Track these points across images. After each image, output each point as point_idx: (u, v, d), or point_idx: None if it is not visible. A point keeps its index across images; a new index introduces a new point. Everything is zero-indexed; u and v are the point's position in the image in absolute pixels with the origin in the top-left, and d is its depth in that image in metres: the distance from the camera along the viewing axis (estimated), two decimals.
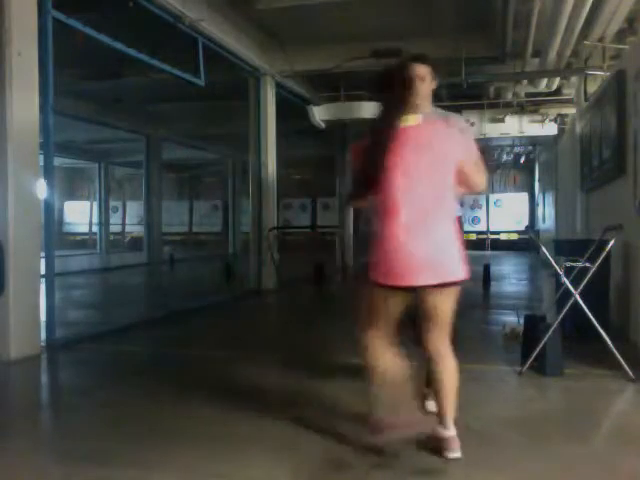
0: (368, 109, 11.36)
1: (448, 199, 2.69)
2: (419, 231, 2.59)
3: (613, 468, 2.64)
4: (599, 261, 4.18)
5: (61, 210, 24.66)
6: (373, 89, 2.94)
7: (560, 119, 11.66)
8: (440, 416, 2.69)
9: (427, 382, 3.01)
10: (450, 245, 2.65)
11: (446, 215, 2.66)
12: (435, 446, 2.69)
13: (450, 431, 2.66)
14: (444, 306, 2.67)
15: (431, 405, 3.06)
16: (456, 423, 2.72)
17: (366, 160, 2.69)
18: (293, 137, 13.64)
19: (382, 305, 2.74)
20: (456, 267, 2.64)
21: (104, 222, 21.18)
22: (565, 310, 4.11)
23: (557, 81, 10.01)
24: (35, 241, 4.90)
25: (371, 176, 2.66)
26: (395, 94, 2.76)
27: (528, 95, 11.45)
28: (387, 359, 2.78)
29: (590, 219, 7.79)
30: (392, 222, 2.62)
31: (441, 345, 2.73)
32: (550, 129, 12.14)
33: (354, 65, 8.87)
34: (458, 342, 2.92)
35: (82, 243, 23.62)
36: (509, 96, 11.51)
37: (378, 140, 2.68)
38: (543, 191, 17.87)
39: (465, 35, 8.60)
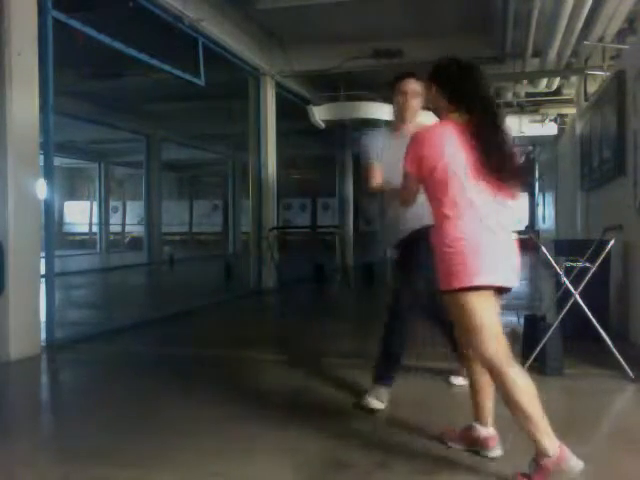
0: (368, 109, 11.38)
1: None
2: None
3: (613, 468, 2.64)
4: (599, 261, 4.18)
5: (61, 210, 24.66)
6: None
7: (560, 119, 11.67)
8: (481, 413, 2.72)
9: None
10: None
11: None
12: (471, 443, 2.73)
13: (490, 428, 2.71)
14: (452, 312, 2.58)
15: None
16: (456, 422, 2.72)
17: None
18: (293, 137, 13.66)
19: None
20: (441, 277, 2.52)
21: (104, 222, 21.20)
22: (565, 310, 4.11)
23: (557, 81, 10.02)
24: (35, 241, 4.90)
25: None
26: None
27: (528, 95, 11.45)
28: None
29: (590, 219, 7.79)
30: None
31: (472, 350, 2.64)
32: (550, 129, 12.15)
33: (354, 65, 8.87)
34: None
35: (82, 243, 23.63)
36: (509, 96, 11.50)
37: None
38: (543, 191, 17.87)
39: (465, 35, 8.60)
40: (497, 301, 2.66)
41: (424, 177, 2.56)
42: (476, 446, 2.73)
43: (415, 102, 3.48)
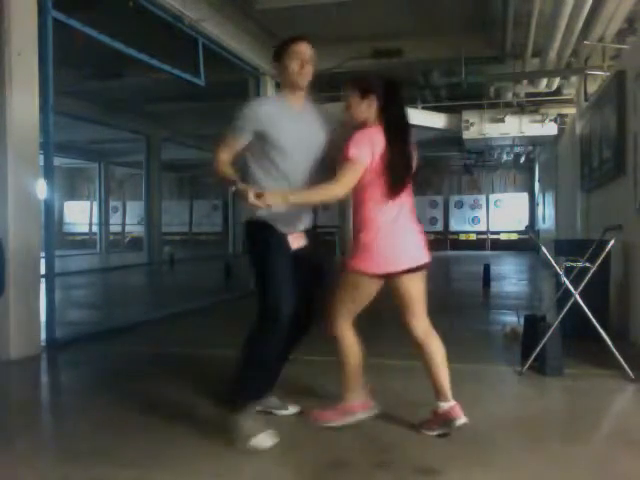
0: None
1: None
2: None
3: (612, 468, 2.64)
4: (599, 261, 4.18)
5: (61, 210, 24.66)
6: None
7: (560, 119, 11.66)
8: (439, 391, 2.91)
9: None
10: None
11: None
12: (442, 422, 2.87)
13: (451, 401, 2.88)
14: None
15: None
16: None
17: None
18: None
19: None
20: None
21: (104, 222, 21.20)
22: (565, 310, 4.11)
23: (557, 81, 10.02)
24: (35, 241, 4.90)
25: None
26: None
27: (528, 95, 11.45)
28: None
29: (590, 219, 7.80)
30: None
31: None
32: (550, 129, 12.15)
33: (354, 65, 8.88)
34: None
35: (82, 243, 23.63)
36: (509, 96, 11.51)
37: None
38: (543, 191, 17.88)
39: (465, 35, 8.61)
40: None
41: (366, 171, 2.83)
42: (446, 422, 2.86)
43: (310, 69, 3.06)
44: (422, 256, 2.94)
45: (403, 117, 3.00)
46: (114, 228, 23.22)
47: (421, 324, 3.06)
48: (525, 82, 10.29)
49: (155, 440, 2.95)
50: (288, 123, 2.98)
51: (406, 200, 2.93)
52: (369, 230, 2.86)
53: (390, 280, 2.90)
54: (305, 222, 3.10)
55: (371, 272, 2.85)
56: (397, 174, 2.84)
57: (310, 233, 3.16)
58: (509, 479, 2.56)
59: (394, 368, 4.33)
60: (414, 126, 3.06)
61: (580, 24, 6.69)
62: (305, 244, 3.09)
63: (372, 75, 3.08)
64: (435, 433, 2.91)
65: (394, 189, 2.84)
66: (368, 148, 2.81)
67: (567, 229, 10.34)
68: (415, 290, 2.96)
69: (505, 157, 18.94)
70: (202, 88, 7.62)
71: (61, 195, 23.88)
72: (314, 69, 3.09)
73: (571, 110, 11.07)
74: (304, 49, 3.06)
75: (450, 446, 2.82)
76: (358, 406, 3.08)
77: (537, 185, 20.02)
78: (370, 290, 2.94)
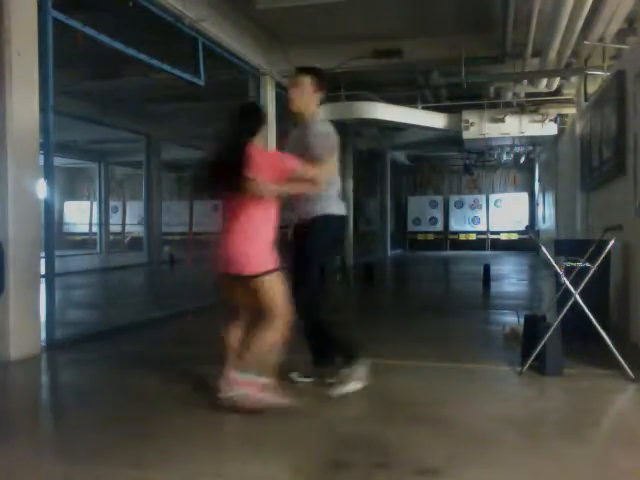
0: (368, 109, 11.39)
1: None
2: None
3: (612, 468, 2.64)
4: (599, 261, 4.18)
5: (61, 210, 24.66)
6: None
7: (560, 119, 11.66)
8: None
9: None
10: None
11: None
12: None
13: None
14: None
15: (294, 376, 3.84)
16: (456, 422, 2.73)
17: None
18: None
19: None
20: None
21: (104, 222, 21.19)
22: (565, 310, 4.11)
23: (557, 81, 10.02)
24: (35, 241, 4.90)
25: None
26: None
27: (528, 95, 11.45)
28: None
29: (590, 219, 7.80)
30: None
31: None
32: (550, 129, 12.15)
33: (354, 65, 8.87)
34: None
35: (82, 243, 23.61)
36: (509, 96, 11.51)
37: None
38: (543, 191, 17.88)
39: (465, 35, 8.60)
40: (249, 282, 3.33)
41: None
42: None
43: (293, 93, 3.75)
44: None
45: None
46: (114, 228, 23.20)
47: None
48: (525, 82, 10.29)
49: (155, 440, 2.95)
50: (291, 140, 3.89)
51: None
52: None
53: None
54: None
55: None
56: None
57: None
58: (509, 479, 2.56)
59: (394, 368, 4.33)
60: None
61: (580, 24, 6.68)
62: None
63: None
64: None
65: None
66: None
67: (567, 229, 10.34)
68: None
69: (505, 157, 18.93)
70: (202, 88, 7.62)
71: (61, 195, 23.87)
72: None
73: (571, 110, 11.07)
74: (289, 80, 3.87)
75: (450, 446, 2.82)
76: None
77: (537, 185, 20.02)
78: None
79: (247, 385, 3.25)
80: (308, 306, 3.60)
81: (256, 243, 3.32)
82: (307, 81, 3.69)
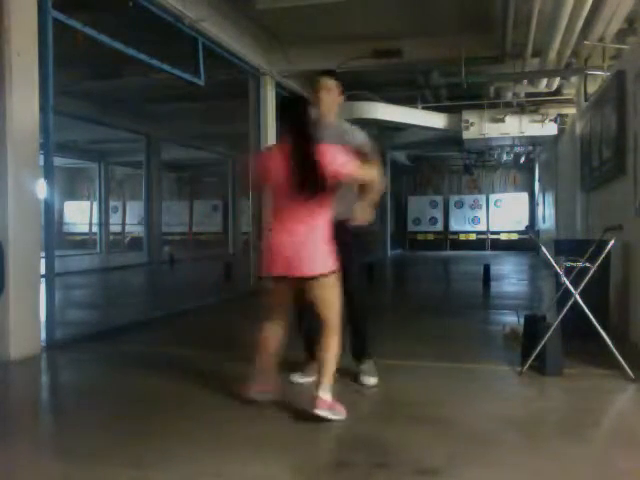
0: (368, 109, 11.39)
1: None
2: None
3: (612, 468, 2.64)
4: (599, 261, 4.18)
5: (61, 210, 24.65)
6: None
7: (560, 119, 11.66)
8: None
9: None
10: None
11: None
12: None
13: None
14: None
15: (296, 377, 3.90)
16: (456, 422, 2.73)
17: None
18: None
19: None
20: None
21: (104, 222, 21.19)
22: (565, 310, 4.11)
23: (557, 81, 10.01)
24: (35, 241, 4.90)
25: None
26: None
27: (528, 95, 11.45)
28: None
29: (590, 219, 7.80)
30: None
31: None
32: (550, 129, 12.15)
33: (354, 65, 8.87)
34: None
35: (82, 243, 23.61)
36: (509, 96, 11.51)
37: None
38: (543, 191, 17.88)
39: (465, 35, 8.60)
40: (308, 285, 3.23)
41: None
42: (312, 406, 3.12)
43: (322, 97, 3.82)
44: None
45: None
46: (114, 228, 23.20)
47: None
48: (525, 82, 10.28)
49: (156, 440, 2.95)
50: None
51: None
52: None
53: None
54: None
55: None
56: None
57: None
58: (509, 479, 2.56)
59: (394, 368, 4.33)
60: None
61: (580, 24, 6.68)
62: None
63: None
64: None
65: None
66: None
67: (567, 229, 10.34)
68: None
69: (505, 157, 18.93)
70: (202, 88, 7.62)
71: (61, 195, 23.87)
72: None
73: (571, 110, 11.07)
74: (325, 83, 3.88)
75: (450, 446, 2.82)
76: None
77: (537, 185, 20.01)
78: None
79: (334, 405, 3.16)
80: (355, 303, 3.76)
81: (321, 244, 3.23)
82: (334, 85, 3.84)
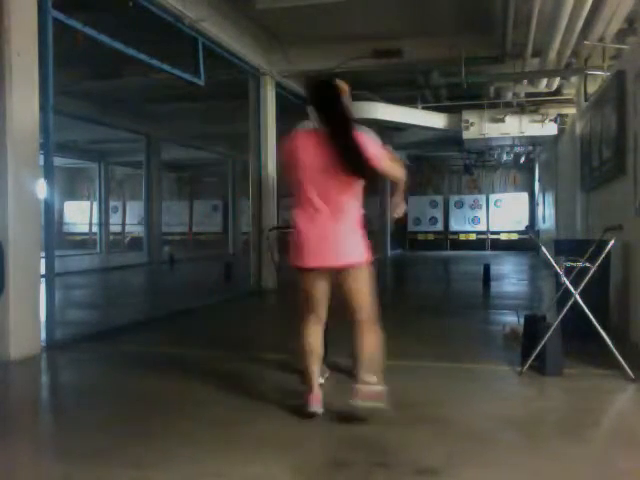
0: (368, 109, 11.38)
1: None
2: None
3: (612, 468, 2.64)
4: (599, 261, 4.18)
5: (61, 210, 24.66)
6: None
7: (560, 119, 11.65)
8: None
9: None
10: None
11: None
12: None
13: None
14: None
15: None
16: (456, 422, 2.73)
17: None
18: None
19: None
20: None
21: (104, 222, 21.19)
22: (565, 310, 4.11)
23: (557, 81, 10.02)
24: (35, 241, 4.90)
25: None
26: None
27: (528, 95, 11.45)
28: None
29: (590, 219, 7.80)
30: None
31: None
32: (550, 129, 12.15)
33: (354, 65, 8.87)
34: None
35: (82, 243, 23.62)
36: (509, 96, 11.51)
37: None
38: (543, 191, 17.88)
39: (465, 35, 8.60)
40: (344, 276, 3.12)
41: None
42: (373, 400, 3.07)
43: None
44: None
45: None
46: (114, 228, 23.21)
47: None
48: (525, 82, 10.28)
49: (156, 440, 2.95)
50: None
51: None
52: None
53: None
54: None
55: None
56: None
57: None
58: (508, 478, 2.56)
59: (394, 368, 4.32)
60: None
61: (580, 24, 6.68)
62: None
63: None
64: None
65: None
66: None
67: (567, 229, 10.34)
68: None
69: (505, 157, 18.93)
70: (202, 88, 7.61)
71: (61, 195, 23.87)
72: None
73: (571, 110, 11.07)
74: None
75: (449, 446, 2.82)
76: None
77: (537, 185, 20.01)
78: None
79: (379, 395, 3.09)
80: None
81: (354, 232, 3.10)
82: (346, 87, 3.84)
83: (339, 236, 3.05)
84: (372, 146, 3.12)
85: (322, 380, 3.81)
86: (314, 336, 3.21)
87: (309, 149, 3.07)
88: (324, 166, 3.02)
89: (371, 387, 3.08)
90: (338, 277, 3.11)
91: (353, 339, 3.17)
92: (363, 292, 3.12)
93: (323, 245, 3.04)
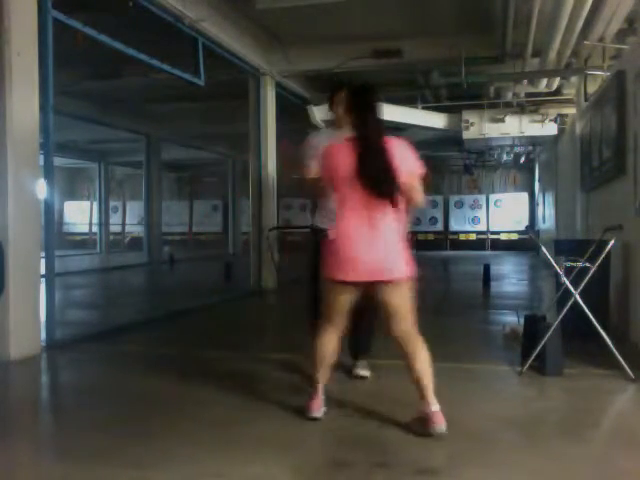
0: None
1: None
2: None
3: (612, 468, 2.64)
4: (599, 261, 4.18)
5: (61, 210, 24.66)
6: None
7: (560, 119, 11.65)
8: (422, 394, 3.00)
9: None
10: None
11: None
12: (422, 425, 2.92)
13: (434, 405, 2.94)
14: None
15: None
16: (456, 422, 2.73)
17: None
18: (294, 137, 13.65)
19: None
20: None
21: (104, 222, 21.20)
22: (565, 310, 4.11)
23: (557, 81, 10.01)
24: (35, 241, 4.90)
25: None
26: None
27: (528, 95, 11.44)
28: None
29: (590, 219, 7.80)
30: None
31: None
32: (550, 129, 12.14)
33: (354, 65, 8.87)
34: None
35: (82, 243, 23.62)
36: (509, 96, 11.50)
37: None
38: (543, 191, 17.88)
39: (465, 35, 8.59)
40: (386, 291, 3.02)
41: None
42: (426, 427, 2.91)
43: None
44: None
45: None
46: (114, 228, 23.21)
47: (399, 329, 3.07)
48: (525, 82, 10.28)
49: (156, 440, 2.95)
50: None
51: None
52: None
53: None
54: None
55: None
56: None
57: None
58: (508, 478, 2.56)
59: (393, 368, 4.32)
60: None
61: (580, 24, 6.68)
62: None
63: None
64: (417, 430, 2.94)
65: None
66: None
67: (567, 229, 10.33)
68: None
69: (505, 157, 18.92)
70: (202, 88, 7.61)
71: (61, 195, 23.87)
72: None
73: (571, 110, 11.06)
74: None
75: (450, 446, 2.81)
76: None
77: (537, 185, 20.01)
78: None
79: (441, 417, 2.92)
80: (369, 302, 3.82)
81: (399, 246, 3.02)
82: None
83: (383, 249, 2.97)
84: (405, 158, 3.01)
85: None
86: (329, 345, 3.15)
87: (347, 160, 2.98)
88: (359, 176, 2.95)
89: (438, 407, 2.96)
90: (375, 290, 3.01)
91: (406, 360, 3.05)
92: (404, 308, 3.02)
93: (367, 258, 2.94)
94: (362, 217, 2.97)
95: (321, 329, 3.16)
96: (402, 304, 3.02)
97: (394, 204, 2.97)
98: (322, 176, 3.15)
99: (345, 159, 2.98)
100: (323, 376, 3.22)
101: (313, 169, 3.44)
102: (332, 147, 3.10)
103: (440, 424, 2.86)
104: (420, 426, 2.94)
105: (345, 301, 3.08)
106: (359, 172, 2.93)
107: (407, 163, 3.01)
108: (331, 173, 3.06)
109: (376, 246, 2.95)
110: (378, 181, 2.93)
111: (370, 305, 3.88)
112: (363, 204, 2.97)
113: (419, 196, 3.07)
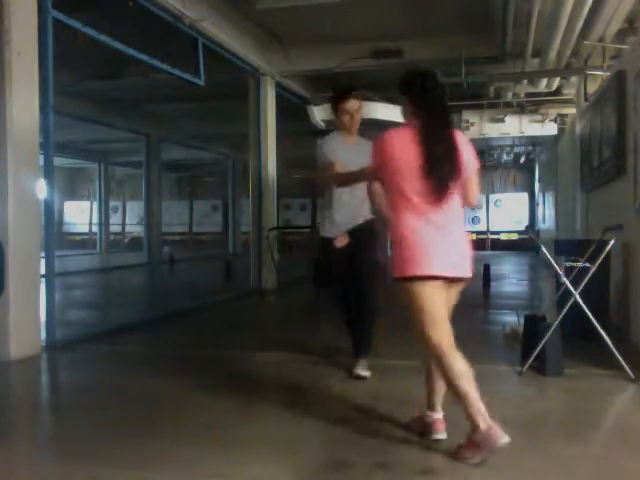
0: (368, 109, 11.36)
1: None
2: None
3: (612, 468, 2.64)
4: (599, 261, 4.18)
5: (61, 210, 24.66)
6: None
7: (560, 119, 11.65)
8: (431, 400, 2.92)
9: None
10: None
11: None
12: (423, 426, 2.91)
13: (439, 414, 2.88)
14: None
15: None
16: (456, 422, 2.73)
17: None
18: (293, 137, 13.66)
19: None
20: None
21: (104, 222, 21.20)
22: (565, 310, 4.11)
23: (557, 81, 10.01)
24: (35, 241, 4.90)
25: None
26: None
27: (528, 95, 11.44)
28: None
29: (590, 219, 7.80)
30: None
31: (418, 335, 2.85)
32: (550, 129, 12.15)
33: (354, 65, 8.87)
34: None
35: (82, 243, 23.62)
36: (509, 96, 11.50)
37: None
38: (543, 191, 17.88)
39: (465, 35, 8.60)
40: (452, 291, 2.81)
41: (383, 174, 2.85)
42: (426, 431, 2.88)
43: (358, 117, 4.10)
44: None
45: None
46: (114, 228, 23.21)
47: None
48: (525, 82, 10.28)
49: (156, 440, 2.95)
50: (342, 152, 3.91)
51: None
52: None
53: None
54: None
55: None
56: None
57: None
58: (509, 479, 2.56)
59: (393, 367, 4.33)
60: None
61: (580, 24, 6.68)
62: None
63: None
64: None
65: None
66: None
67: (567, 229, 10.34)
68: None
69: (505, 157, 18.93)
70: (202, 88, 7.61)
71: (61, 195, 23.86)
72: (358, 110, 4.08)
73: (571, 110, 11.07)
74: (352, 105, 4.03)
75: (450, 446, 2.81)
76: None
77: (537, 185, 20.01)
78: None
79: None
80: (372, 302, 3.98)
81: (467, 240, 2.84)
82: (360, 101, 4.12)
83: (458, 243, 2.76)
84: (469, 152, 2.85)
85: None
86: (458, 357, 2.71)
87: (411, 147, 2.70)
88: (422, 167, 2.70)
89: (441, 414, 2.93)
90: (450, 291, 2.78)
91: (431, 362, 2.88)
92: (450, 311, 2.81)
93: (445, 251, 2.68)
94: (429, 210, 2.70)
95: (436, 350, 2.72)
96: (452, 306, 2.84)
97: (452, 198, 2.77)
98: (377, 166, 2.84)
99: (412, 147, 2.70)
100: (439, 392, 2.91)
101: (335, 164, 3.70)
102: (393, 137, 2.78)
103: (440, 431, 2.85)
104: (420, 426, 2.94)
105: (442, 301, 2.72)
106: (428, 163, 2.67)
107: (470, 158, 2.86)
108: (395, 164, 2.72)
109: (451, 240, 2.72)
110: (449, 174, 2.72)
111: (370, 305, 3.90)
112: (427, 196, 2.69)
113: (477, 192, 3.00)
